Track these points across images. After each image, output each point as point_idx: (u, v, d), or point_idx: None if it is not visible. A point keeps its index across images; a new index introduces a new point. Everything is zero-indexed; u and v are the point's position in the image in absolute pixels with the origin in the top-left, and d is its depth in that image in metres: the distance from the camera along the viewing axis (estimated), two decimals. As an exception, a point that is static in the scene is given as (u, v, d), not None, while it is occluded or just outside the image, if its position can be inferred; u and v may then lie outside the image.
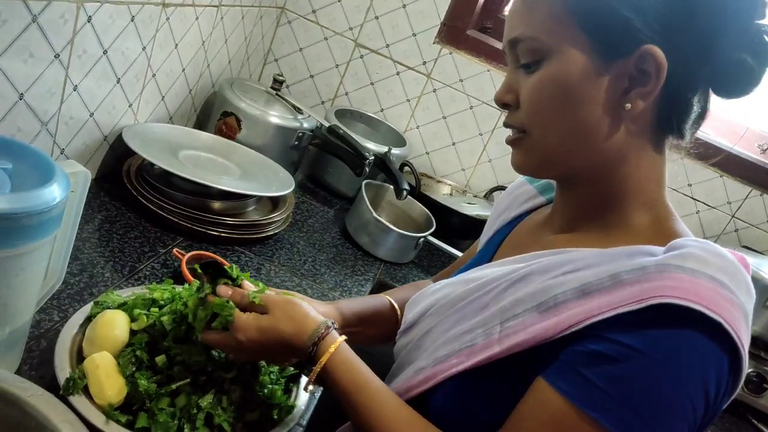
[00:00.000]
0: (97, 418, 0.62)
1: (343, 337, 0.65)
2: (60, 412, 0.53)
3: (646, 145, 0.60)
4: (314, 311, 0.67)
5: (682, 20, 0.54)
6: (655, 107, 0.57)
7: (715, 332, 0.48)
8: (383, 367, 0.70)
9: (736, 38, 0.55)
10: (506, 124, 0.63)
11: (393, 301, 0.86)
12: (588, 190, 0.63)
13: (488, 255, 0.76)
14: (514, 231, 0.76)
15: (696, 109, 0.59)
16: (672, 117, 0.58)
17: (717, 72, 0.56)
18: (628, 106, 0.56)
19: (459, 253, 1.43)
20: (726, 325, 0.48)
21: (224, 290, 0.68)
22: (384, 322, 0.85)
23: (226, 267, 0.71)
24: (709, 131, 1.54)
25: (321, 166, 1.55)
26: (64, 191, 0.60)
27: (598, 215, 0.62)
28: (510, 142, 0.63)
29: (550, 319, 0.54)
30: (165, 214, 1.07)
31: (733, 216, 1.60)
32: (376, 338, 0.85)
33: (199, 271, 0.70)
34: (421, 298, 0.75)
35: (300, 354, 0.64)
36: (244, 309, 0.67)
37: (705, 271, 0.49)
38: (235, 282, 0.70)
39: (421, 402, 0.63)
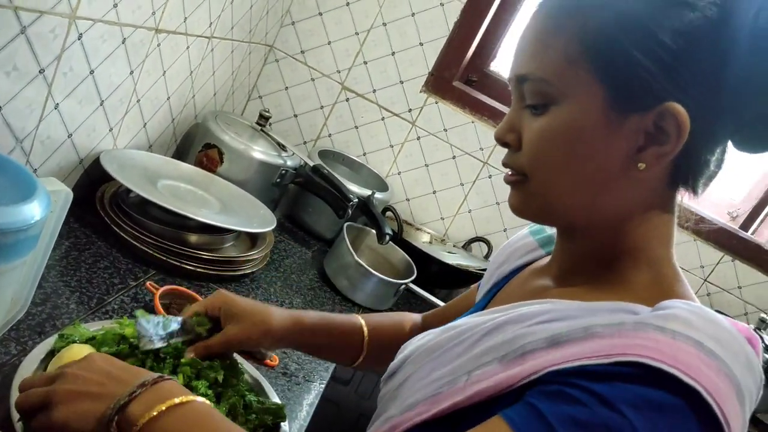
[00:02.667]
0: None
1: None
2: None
3: (655, 202, 0.56)
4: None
5: (709, 77, 0.51)
6: (669, 165, 0.54)
7: (693, 402, 0.42)
8: (349, 417, 0.65)
9: (764, 93, 0.52)
10: (505, 164, 0.60)
11: (364, 324, 0.84)
12: (587, 243, 0.59)
13: (480, 307, 0.73)
14: (510, 283, 0.73)
15: (713, 165, 0.56)
16: (688, 174, 0.55)
17: (741, 127, 0.54)
18: (642, 166, 0.52)
19: (439, 302, 1.40)
20: (705, 395, 0.42)
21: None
22: (344, 342, 0.83)
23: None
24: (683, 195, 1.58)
25: (300, 205, 1.52)
26: (45, 210, 0.55)
27: (595, 269, 0.59)
28: (509, 182, 0.59)
29: (514, 369, 0.50)
30: (138, 245, 1.01)
31: (705, 280, 1.62)
32: (330, 356, 0.87)
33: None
34: (406, 346, 0.71)
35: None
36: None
37: (689, 335, 0.44)
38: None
39: None
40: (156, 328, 0.68)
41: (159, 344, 0.67)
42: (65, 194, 0.63)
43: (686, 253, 1.60)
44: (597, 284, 0.58)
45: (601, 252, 0.58)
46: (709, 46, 0.50)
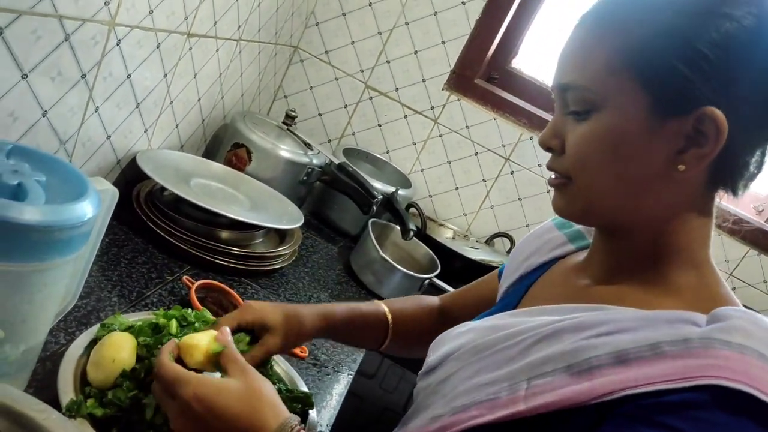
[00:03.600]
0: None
1: None
2: (76, 437, 0.51)
3: (695, 203, 0.58)
4: (281, 405, 0.60)
5: (745, 82, 0.53)
6: (709, 167, 0.55)
7: (767, 416, 0.45)
8: (373, 410, 0.66)
9: None
10: (549, 168, 0.62)
11: (387, 310, 0.88)
12: (630, 243, 0.61)
13: (514, 301, 0.74)
14: (543, 278, 0.74)
15: (753, 167, 0.57)
16: (727, 177, 0.57)
17: None
18: (682, 167, 0.54)
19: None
20: None
21: (224, 334, 0.64)
22: (370, 329, 0.87)
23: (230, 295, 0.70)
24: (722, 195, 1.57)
25: (326, 203, 1.55)
26: (96, 208, 0.58)
27: (638, 270, 0.60)
28: (553, 185, 0.62)
29: (582, 384, 0.51)
30: (173, 241, 1.06)
31: (730, 274, 1.62)
32: (358, 342, 0.91)
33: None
34: (445, 340, 0.73)
35: None
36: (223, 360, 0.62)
37: (753, 347, 0.47)
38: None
39: None
40: None
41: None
42: (112, 193, 0.67)
43: (711, 247, 1.59)
44: (643, 285, 0.60)
45: (644, 252, 0.60)
46: (746, 53, 0.53)
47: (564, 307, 0.61)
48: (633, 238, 0.61)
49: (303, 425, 0.59)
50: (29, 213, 0.51)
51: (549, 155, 0.63)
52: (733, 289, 1.62)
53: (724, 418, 0.45)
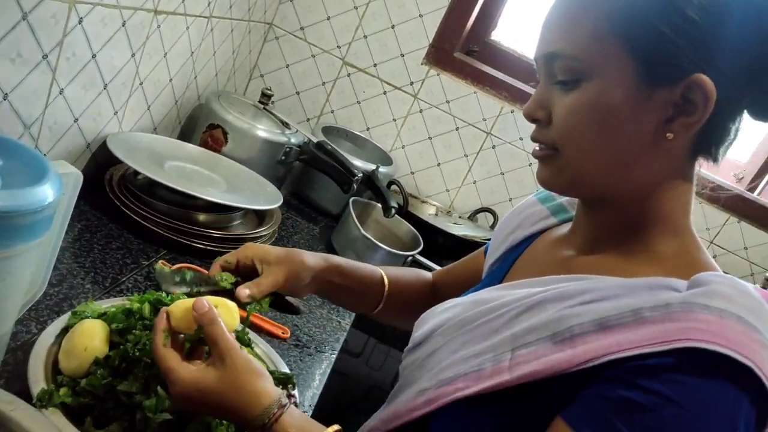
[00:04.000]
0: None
1: (299, 411, 0.60)
2: (44, 428, 0.49)
3: (679, 171, 0.58)
4: (270, 384, 0.60)
5: (732, 48, 0.52)
6: (694, 134, 0.55)
7: (746, 378, 0.46)
8: (359, 388, 0.66)
9: None
10: (534, 139, 0.61)
11: (384, 275, 0.88)
12: (615, 213, 0.61)
13: (499, 275, 0.74)
14: (528, 251, 0.74)
15: (732, 133, 0.57)
16: (711, 143, 0.57)
17: (759, 96, 0.55)
18: (670, 136, 0.54)
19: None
20: (757, 371, 0.45)
21: (200, 305, 0.61)
22: (365, 290, 0.86)
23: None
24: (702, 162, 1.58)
25: (306, 182, 1.53)
26: (57, 191, 0.56)
27: (622, 239, 0.60)
28: (538, 157, 0.61)
29: (565, 351, 0.51)
30: (148, 225, 1.03)
31: (711, 242, 1.63)
32: (352, 302, 0.90)
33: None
34: (430, 316, 0.73)
35: (247, 429, 0.58)
36: (206, 338, 0.61)
37: (732, 311, 0.47)
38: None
39: (422, 425, 0.61)
40: (174, 275, 0.73)
41: (181, 289, 0.71)
42: (75, 176, 0.64)
43: (692, 215, 1.60)
44: (625, 254, 0.60)
45: (629, 222, 0.60)
46: (733, 18, 0.52)
47: (548, 278, 0.61)
48: (617, 209, 0.60)
49: (291, 399, 0.59)
50: (-16, 199, 0.49)
51: (532, 127, 0.62)
52: (714, 256, 1.63)
53: (702, 380, 0.46)
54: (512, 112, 1.64)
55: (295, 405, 0.59)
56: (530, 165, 1.66)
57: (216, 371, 0.58)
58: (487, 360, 0.56)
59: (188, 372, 0.58)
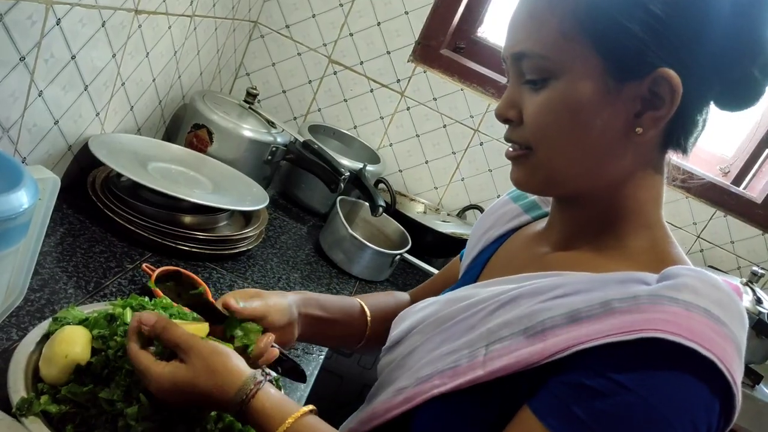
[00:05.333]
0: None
1: (275, 389, 0.59)
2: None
3: (648, 165, 0.59)
4: (242, 363, 0.59)
5: (696, 41, 0.53)
6: (663, 127, 0.56)
7: (708, 371, 0.47)
8: (352, 389, 0.65)
9: (748, 53, 0.54)
10: (508, 139, 0.61)
11: (364, 305, 0.84)
12: (588, 210, 0.61)
13: (474, 274, 0.74)
14: (501, 249, 0.75)
15: (700, 125, 0.58)
16: (680, 135, 0.57)
17: (726, 88, 0.56)
18: (640, 129, 0.55)
19: (435, 271, 1.42)
20: (719, 364, 0.46)
21: (147, 318, 0.60)
22: (349, 321, 0.81)
23: (188, 277, 0.68)
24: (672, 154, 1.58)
25: (293, 181, 1.52)
26: (33, 198, 0.55)
27: (595, 235, 0.61)
28: (511, 157, 0.61)
29: (536, 345, 0.52)
30: (133, 228, 1.02)
31: (698, 236, 1.64)
32: (337, 335, 0.82)
33: (153, 287, 0.67)
34: (407, 315, 0.73)
35: (228, 411, 0.58)
36: (166, 345, 0.60)
37: (699, 304, 0.48)
38: (199, 295, 0.66)
39: (402, 423, 0.60)
40: None
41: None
42: (53, 181, 0.63)
43: (679, 210, 1.61)
44: (598, 250, 0.60)
45: (601, 217, 0.61)
46: (695, 11, 0.52)
47: (522, 276, 0.62)
48: (590, 205, 0.61)
49: (266, 375, 0.58)
50: (-44, 206, 0.48)
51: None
52: (701, 250, 1.65)
53: (662, 371, 0.47)
54: (499, 108, 1.63)
55: (271, 383, 0.58)
56: (518, 161, 1.66)
57: (186, 365, 0.57)
58: (463, 356, 0.57)
59: (162, 368, 0.58)
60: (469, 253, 0.81)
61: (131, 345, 0.59)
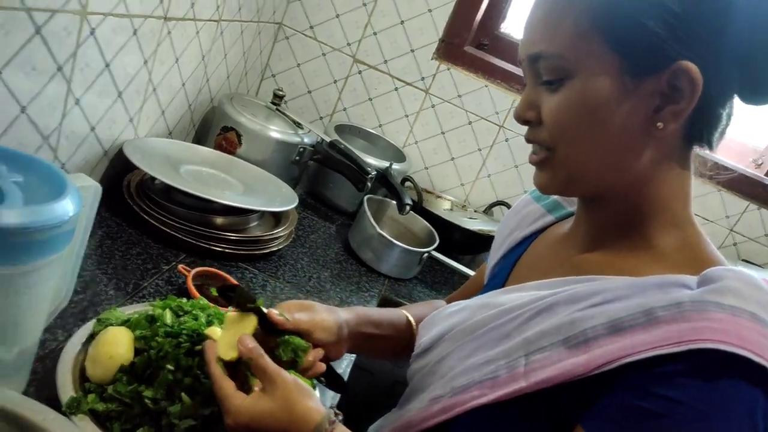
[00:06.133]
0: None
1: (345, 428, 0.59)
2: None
3: (673, 161, 0.58)
4: (318, 402, 0.59)
5: (716, 34, 0.52)
6: (685, 122, 0.55)
7: (760, 377, 0.46)
8: (384, 385, 0.65)
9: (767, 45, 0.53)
10: (529, 140, 0.61)
11: (410, 317, 0.83)
12: (613, 209, 0.60)
13: (501, 279, 0.74)
14: (528, 252, 0.74)
15: (724, 119, 0.57)
16: (702, 130, 0.56)
17: (748, 80, 0.55)
18: (660, 125, 0.54)
19: (463, 269, 1.42)
20: None
21: (244, 343, 0.60)
22: (399, 335, 0.81)
23: (248, 293, 0.68)
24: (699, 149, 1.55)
25: (321, 181, 1.54)
26: (77, 206, 0.57)
27: (623, 235, 0.60)
28: (535, 162, 0.60)
29: (579, 356, 0.51)
30: (167, 230, 1.05)
31: (731, 230, 1.60)
32: (389, 350, 0.82)
33: (214, 293, 0.68)
34: (436, 320, 0.73)
35: None
36: (254, 371, 0.60)
37: (745, 308, 0.47)
38: (260, 311, 0.65)
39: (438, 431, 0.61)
40: None
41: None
42: (95, 189, 0.65)
43: (711, 203, 1.58)
44: (628, 250, 0.59)
45: (627, 216, 0.60)
46: (714, 4, 0.52)
47: (555, 281, 0.61)
48: (615, 203, 0.60)
49: (338, 415, 0.59)
50: (7, 216, 0.50)
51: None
52: (734, 244, 1.61)
53: (717, 382, 0.45)
54: (525, 103, 1.62)
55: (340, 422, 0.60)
56: (545, 156, 1.65)
57: (268, 396, 0.58)
58: (501, 366, 0.56)
59: (242, 399, 0.58)
60: (493, 255, 0.81)
61: (215, 369, 0.60)
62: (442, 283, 1.41)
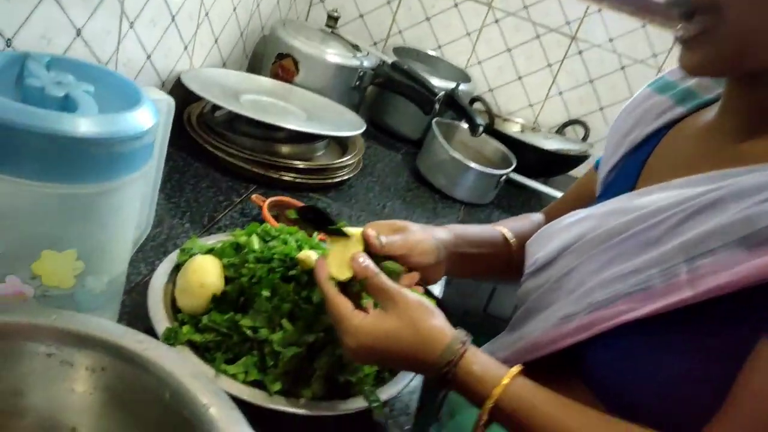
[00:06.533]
0: (206, 372, 0.55)
1: (477, 348, 0.53)
2: (181, 365, 0.46)
3: None
4: (445, 321, 0.53)
5: None
6: None
7: None
8: (452, 315, 0.57)
9: None
10: (684, 10, 0.50)
11: (505, 232, 0.76)
12: None
13: (629, 181, 0.64)
14: (661, 148, 0.64)
15: None
16: None
17: None
18: None
19: (547, 189, 1.33)
20: None
21: (358, 262, 0.54)
22: (497, 253, 0.74)
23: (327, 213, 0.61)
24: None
25: (382, 108, 1.45)
26: (155, 117, 0.51)
27: None
28: (688, 38, 0.50)
29: (763, 257, 0.43)
30: (234, 162, 0.99)
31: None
32: (487, 270, 0.75)
33: (293, 216, 0.61)
34: (552, 234, 0.65)
35: (429, 373, 0.52)
36: (370, 291, 0.54)
37: None
38: (341, 232, 0.59)
39: (569, 355, 0.54)
40: None
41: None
42: (167, 103, 0.59)
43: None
44: None
45: None
46: None
47: (710, 175, 0.52)
48: None
49: (469, 338, 0.52)
50: (85, 125, 0.44)
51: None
52: None
53: None
54: (599, 11, 1.47)
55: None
56: (623, 69, 1.51)
57: (391, 316, 0.52)
58: (654, 276, 0.48)
59: (362, 318, 0.52)
60: (607, 161, 0.71)
61: (329, 289, 0.54)
62: (520, 207, 1.32)
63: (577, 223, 0.62)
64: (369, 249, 0.58)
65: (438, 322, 0.52)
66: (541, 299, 0.61)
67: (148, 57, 0.96)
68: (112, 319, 0.59)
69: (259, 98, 1.16)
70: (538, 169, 1.40)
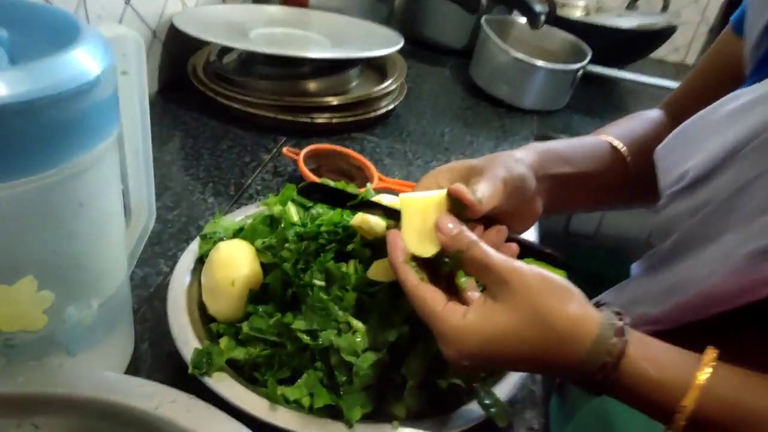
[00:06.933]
0: (257, 406, 0.40)
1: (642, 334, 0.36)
2: (208, 422, 0.31)
3: None
4: (584, 300, 0.36)
5: None
6: None
7: None
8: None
9: None
10: None
11: (612, 140, 0.55)
12: None
13: None
14: None
15: None
16: None
17: None
18: None
19: (638, 77, 1.10)
20: None
21: (447, 229, 0.37)
22: (604, 169, 0.53)
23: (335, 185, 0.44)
24: None
25: (416, 18, 1.23)
26: (103, 59, 0.34)
27: None
28: None
29: None
30: (256, 111, 0.82)
31: None
32: (593, 194, 0.55)
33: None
34: (698, 135, 0.44)
35: (570, 379, 0.37)
36: (469, 269, 0.37)
37: None
38: (365, 204, 0.42)
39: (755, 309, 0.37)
40: None
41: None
42: (134, 42, 0.41)
43: None
44: None
45: None
46: None
47: None
48: None
49: (626, 320, 0.35)
50: (-16, 86, 0.28)
51: None
52: None
53: None
54: None
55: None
56: None
57: (502, 305, 0.35)
58: None
59: (464, 317, 0.35)
60: (756, 21, 0.49)
61: (409, 277, 0.37)
62: (604, 107, 1.10)
63: (743, 110, 0.41)
64: (456, 212, 0.39)
65: (575, 307, 0.34)
66: (704, 228, 0.42)
67: (127, 2, 0.78)
68: (125, 347, 0.44)
69: (271, 31, 0.97)
70: (615, 56, 1.16)
